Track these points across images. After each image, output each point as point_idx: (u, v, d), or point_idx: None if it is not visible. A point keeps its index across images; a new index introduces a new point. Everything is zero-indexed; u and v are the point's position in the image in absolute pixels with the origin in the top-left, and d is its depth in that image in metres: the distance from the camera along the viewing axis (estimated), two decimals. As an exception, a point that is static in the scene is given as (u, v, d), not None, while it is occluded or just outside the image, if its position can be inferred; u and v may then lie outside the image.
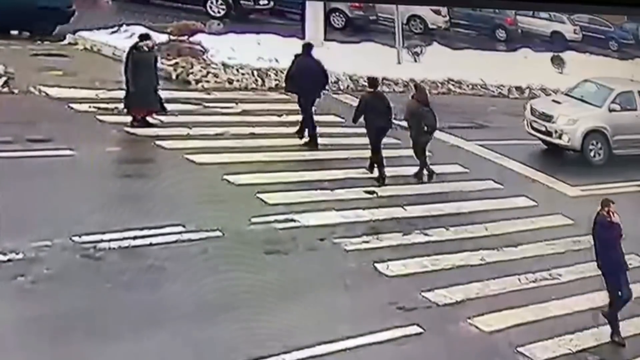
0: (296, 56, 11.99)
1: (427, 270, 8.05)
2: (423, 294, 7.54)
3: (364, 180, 10.15)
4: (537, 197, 10.68)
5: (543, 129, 12.94)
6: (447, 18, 24.36)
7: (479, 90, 16.59)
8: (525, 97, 16.07)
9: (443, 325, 7.16)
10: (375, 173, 10.37)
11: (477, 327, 7.20)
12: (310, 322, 6.74)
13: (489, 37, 24.43)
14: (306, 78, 11.36)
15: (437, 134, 13.03)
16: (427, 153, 10.90)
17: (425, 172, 10.55)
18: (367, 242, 8.37)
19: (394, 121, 10.82)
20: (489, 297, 7.75)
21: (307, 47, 11.89)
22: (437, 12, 23.91)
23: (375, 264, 7.91)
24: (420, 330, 6.97)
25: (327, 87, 11.84)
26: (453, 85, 16.29)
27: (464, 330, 7.17)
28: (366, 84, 15.11)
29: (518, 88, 17.00)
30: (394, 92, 15.24)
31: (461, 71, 16.49)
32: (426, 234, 8.86)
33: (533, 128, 13.12)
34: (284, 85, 11.95)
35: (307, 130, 11.23)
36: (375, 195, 9.77)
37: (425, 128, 10.98)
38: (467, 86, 16.50)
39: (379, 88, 11.53)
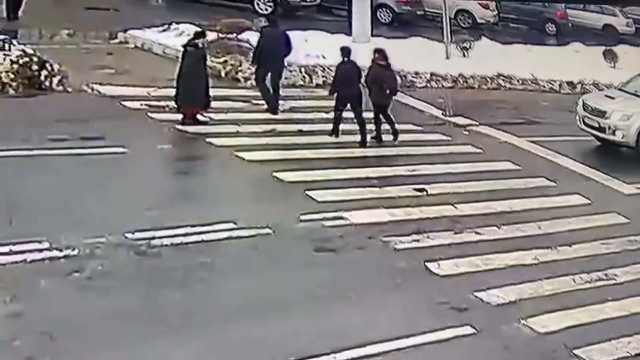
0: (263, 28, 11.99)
1: (479, 270, 7.84)
2: (475, 293, 7.34)
3: (413, 177, 9.99)
4: (591, 194, 10.37)
5: (596, 124, 12.59)
6: (496, 12, 24.04)
7: (530, 85, 16.26)
8: (577, 92, 15.67)
9: (496, 326, 6.95)
10: (339, 138, 10.55)
11: (531, 328, 6.98)
12: (361, 321, 6.62)
13: (538, 31, 24.01)
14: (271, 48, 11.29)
15: (488, 130, 12.81)
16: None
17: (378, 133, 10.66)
18: (417, 240, 8.21)
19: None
20: (542, 297, 7.51)
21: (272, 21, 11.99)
22: (486, 7, 23.56)
23: (426, 263, 7.75)
24: (473, 330, 6.78)
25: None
26: (503, 80, 15.98)
27: (518, 331, 6.95)
28: (414, 79, 14.93)
29: (569, 83, 16.59)
30: (443, 88, 15.07)
31: (511, 66, 16.19)
32: (478, 233, 8.66)
33: (586, 124, 12.76)
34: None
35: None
36: (425, 192, 9.60)
37: (387, 91, 10.95)
38: (518, 81, 16.19)
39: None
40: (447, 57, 16.17)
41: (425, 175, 10.09)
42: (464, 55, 16.55)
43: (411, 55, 15.30)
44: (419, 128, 12.25)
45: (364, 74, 11.10)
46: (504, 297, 7.38)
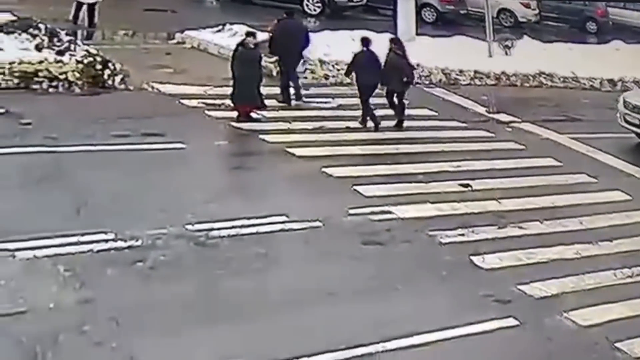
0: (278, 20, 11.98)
1: (522, 264, 7.75)
2: (518, 286, 7.25)
3: (458, 173, 9.90)
4: (632, 191, 10.13)
5: (637, 122, 12.27)
6: (537, 11, 23.60)
7: (571, 83, 15.92)
8: (617, 90, 15.29)
9: (539, 319, 6.87)
10: (370, 124, 10.77)
11: (573, 321, 6.87)
12: (408, 312, 6.61)
13: (579, 30, 23.47)
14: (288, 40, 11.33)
15: (530, 127, 12.61)
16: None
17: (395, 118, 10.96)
18: (462, 234, 8.14)
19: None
20: (584, 291, 7.38)
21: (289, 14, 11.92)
22: (527, 6, 23.15)
23: (471, 257, 7.68)
24: (516, 322, 6.71)
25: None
26: (545, 78, 15.69)
27: (560, 324, 6.86)
28: (458, 77, 14.77)
29: (610, 80, 16.20)
30: (486, 85, 14.87)
31: (552, 64, 15.89)
32: (521, 227, 8.54)
33: (626, 121, 12.46)
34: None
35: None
36: (469, 188, 9.51)
37: (405, 78, 11.11)
38: (559, 79, 15.87)
39: None
40: (490, 55, 15.95)
41: (470, 171, 9.99)
42: (506, 54, 16.30)
43: (455, 53, 15.15)
44: (463, 125, 12.12)
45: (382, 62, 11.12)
46: (547, 290, 7.29)
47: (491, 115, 12.94)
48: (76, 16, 14.38)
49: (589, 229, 8.78)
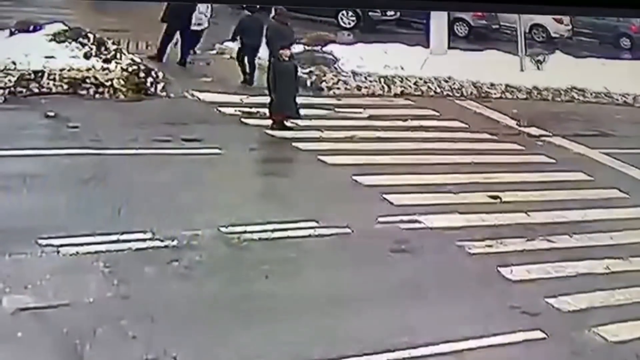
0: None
1: (550, 277, 7.59)
2: (546, 299, 7.11)
3: (488, 185, 9.76)
4: (664, 207, 9.85)
5: (669, 138, 11.95)
6: (570, 27, 23.20)
7: (603, 98, 15.60)
8: (651, 106, 14.93)
9: (566, 332, 6.71)
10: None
11: (601, 337, 6.69)
12: (434, 320, 6.53)
13: (612, 46, 23.02)
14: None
15: (561, 141, 12.39)
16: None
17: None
18: (490, 246, 8.01)
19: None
20: (614, 306, 7.19)
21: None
22: (560, 21, 22.77)
23: (499, 268, 7.56)
24: (543, 335, 6.57)
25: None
26: (577, 93, 15.41)
27: (588, 339, 6.69)
28: (489, 90, 14.60)
29: (643, 97, 15.82)
30: (517, 99, 14.67)
31: (585, 79, 15.59)
32: (550, 241, 8.38)
33: (659, 137, 12.13)
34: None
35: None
36: (499, 200, 9.37)
37: (287, 43, 11.51)
38: (591, 94, 15.56)
39: None
40: (522, 70, 15.74)
41: (500, 183, 9.85)
42: (538, 68, 16.06)
43: (486, 67, 14.98)
44: (494, 137, 11.97)
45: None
46: (575, 305, 7.11)
47: (522, 128, 12.75)
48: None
49: (620, 244, 8.56)
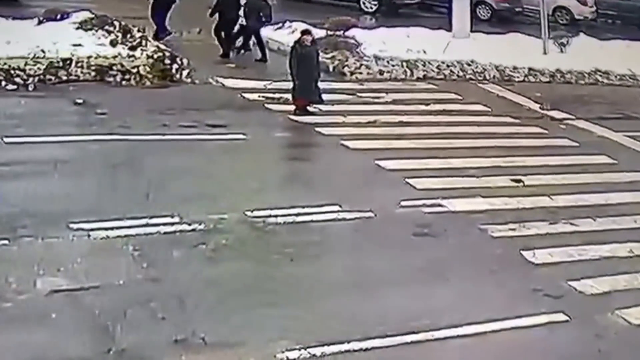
0: None
1: (573, 260, 7.54)
2: (569, 282, 7.07)
3: (510, 168, 9.69)
4: (689, 190, 9.69)
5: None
6: (594, 9, 22.76)
7: (628, 80, 15.34)
8: (676, 88, 14.66)
9: (589, 315, 6.67)
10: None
11: (624, 319, 6.65)
12: (457, 303, 6.53)
13: (637, 27, 22.53)
14: None
15: (584, 124, 12.23)
16: None
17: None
18: (513, 229, 7.97)
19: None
20: (637, 289, 7.13)
21: None
22: (584, 3, 22.37)
23: (522, 251, 7.52)
24: (566, 318, 6.55)
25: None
26: (600, 75, 15.17)
27: (611, 322, 6.65)
28: (512, 73, 14.42)
29: (669, 78, 15.51)
30: (540, 82, 14.48)
31: (609, 61, 15.33)
32: (573, 224, 8.31)
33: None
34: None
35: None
36: (521, 183, 9.30)
37: (263, 18, 12.55)
38: (615, 77, 15.31)
39: None
40: (545, 53, 15.52)
41: (522, 166, 9.77)
42: (562, 51, 15.83)
43: (509, 50, 14.81)
44: (517, 121, 11.86)
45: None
46: (598, 287, 7.07)
47: (545, 112, 12.61)
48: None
49: (643, 227, 8.46)
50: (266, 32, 14.32)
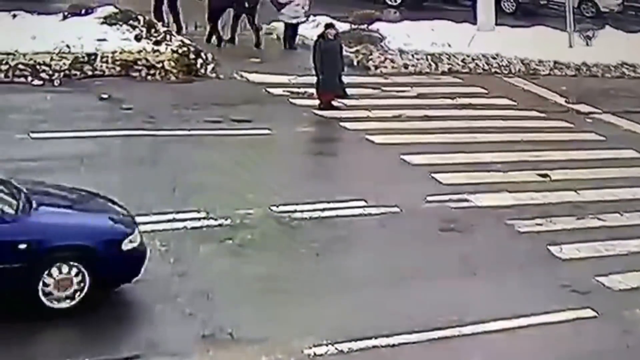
0: None
1: (601, 255, 7.48)
2: (597, 278, 7.02)
3: (537, 163, 9.62)
4: None
5: None
6: (621, 1, 22.38)
7: (655, 74, 15.12)
8: None
9: (618, 311, 6.62)
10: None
11: (654, 316, 6.59)
12: (484, 299, 6.52)
13: (665, 19, 22.08)
14: None
15: (611, 118, 12.08)
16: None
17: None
18: (540, 224, 7.93)
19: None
20: (666, 285, 7.05)
21: None
22: (610, -5, 21.96)
23: (549, 247, 7.48)
24: (594, 314, 6.51)
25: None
26: (627, 69, 14.96)
27: (639, 317, 6.58)
28: (537, 67, 14.27)
29: (697, 71, 15.25)
30: (566, 76, 14.32)
31: (636, 54, 15.11)
32: (600, 219, 8.23)
33: None
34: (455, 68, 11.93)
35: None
36: (548, 178, 9.22)
37: (247, 4, 12.69)
38: (642, 70, 15.10)
39: None
40: (571, 46, 15.33)
41: (549, 161, 9.69)
42: (587, 44, 15.62)
43: (534, 43, 14.65)
44: (543, 115, 11.75)
45: None
46: (626, 283, 7.01)
47: (571, 105, 12.47)
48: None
49: (672, 222, 8.35)
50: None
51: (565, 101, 12.65)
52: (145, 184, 7.85)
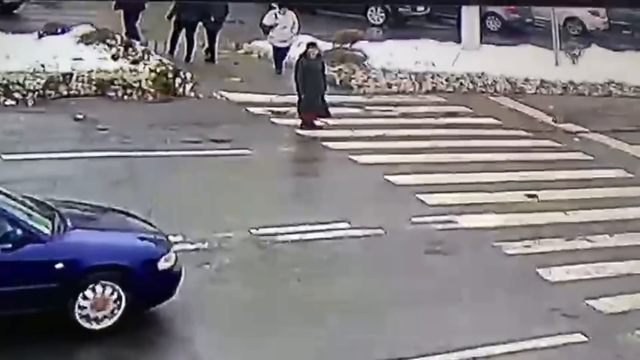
0: None
1: (590, 278, 7.42)
2: (587, 301, 6.94)
3: (524, 183, 9.58)
4: None
5: None
6: (606, 19, 22.68)
7: (642, 92, 15.25)
8: (692, 100, 14.52)
9: (608, 335, 6.54)
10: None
11: (645, 340, 6.51)
12: (472, 324, 6.41)
13: (651, 38, 22.38)
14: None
15: (599, 137, 12.11)
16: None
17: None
18: (528, 246, 7.86)
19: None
20: (658, 309, 6.98)
21: None
22: (595, 14, 22.29)
23: (537, 269, 7.40)
24: (585, 338, 6.42)
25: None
26: (614, 87, 15.06)
27: (631, 341, 6.51)
28: (523, 85, 14.34)
29: (684, 90, 15.39)
30: (553, 94, 14.40)
31: (622, 73, 15.23)
32: (589, 240, 8.18)
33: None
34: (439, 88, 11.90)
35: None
36: (536, 199, 9.18)
37: (213, 19, 12.85)
38: (629, 88, 15.19)
39: None
40: (557, 64, 15.43)
41: (536, 181, 9.65)
42: (574, 62, 15.74)
43: (520, 62, 14.72)
44: (530, 134, 11.76)
45: None
46: (617, 306, 6.94)
47: (558, 124, 12.51)
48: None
49: (663, 243, 8.32)
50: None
51: (552, 120, 12.68)
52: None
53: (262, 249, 7.19)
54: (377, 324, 6.26)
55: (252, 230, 7.41)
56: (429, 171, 9.57)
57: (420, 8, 19.56)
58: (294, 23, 13.08)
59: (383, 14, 18.91)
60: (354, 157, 9.73)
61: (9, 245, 5.41)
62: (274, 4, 13.06)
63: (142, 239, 6.02)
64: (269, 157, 9.57)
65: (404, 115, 11.88)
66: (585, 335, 6.44)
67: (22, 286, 5.36)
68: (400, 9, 19.09)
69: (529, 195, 9.20)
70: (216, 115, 10.75)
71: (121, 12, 12.82)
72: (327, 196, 8.71)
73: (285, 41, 12.98)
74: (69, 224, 5.74)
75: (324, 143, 10.22)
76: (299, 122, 10.73)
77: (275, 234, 7.40)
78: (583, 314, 6.77)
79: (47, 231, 5.59)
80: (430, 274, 7.17)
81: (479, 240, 7.89)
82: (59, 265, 5.44)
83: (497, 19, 20.54)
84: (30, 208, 5.78)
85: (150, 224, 6.25)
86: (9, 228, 5.45)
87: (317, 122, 10.80)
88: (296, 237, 7.43)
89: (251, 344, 5.80)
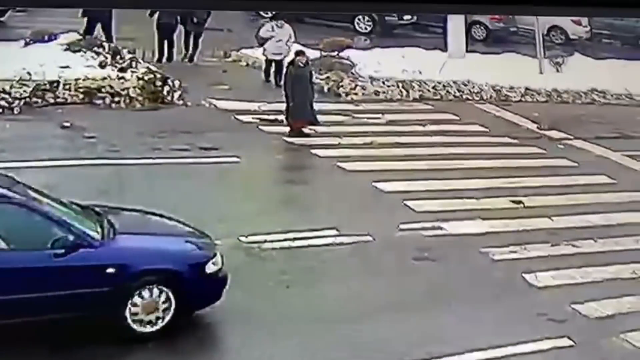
0: None
1: (576, 282, 7.53)
2: (573, 306, 7.05)
3: (510, 189, 9.71)
4: (690, 210, 9.72)
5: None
6: (589, 28, 23.02)
7: (624, 100, 15.47)
8: (673, 107, 14.77)
9: (594, 339, 6.65)
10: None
11: (631, 343, 6.62)
12: (459, 330, 6.49)
13: (632, 46, 22.78)
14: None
15: (583, 144, 12.29)
16: None
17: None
18: (514, 252, 7.97)
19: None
20: (642, 313, 7.11)
21: None
22: (578, 23, 22.61)
23: (524, 274, 7.51)
24: (571, 342, 6.52)
25: None
26: (597, 95, 15.30)
27: (616, 346, 6.62)
28: (508, 93, 14.53)
29: (666, 97, 15.65)
30: (537, 102, 14.59)
31: (605, 81, 15.47)
32: (574, 246, 8.31)
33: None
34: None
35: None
36: (522, 205, 9.31)
37: (195, 20, 13.18)
38: (612, 96, 15.45)
39: None
40: (541, 72, 15.62)
41: (522, 187, 9.79)
42: (557, 71, 15.97)
43: (505, 70, 14.92)
44: (515, 141, 11.91)
45: None
46: (602, 311, 7.05)
47: (543, 132, 12.68)
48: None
49: (646, 248, 8.47)
50: (260, 53, 14.34)
51: (537, 127, 12.85)
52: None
53: (251, 257, 7.23)
54: (365, 332, 6.32)
55: (241, 238, 7.45)
56: (417, 178, 9.67)
57: (407, 16, 19.74)
58: (290, 36, 13.10)
59: (370, 23, 19.06)
60: (342, 165, 9.80)
61: (62, 251, 5.46)
62: (263, 13, 13.12)
63: (190, 242, 6.09)
64: (258, 165, 9.61)
65: (392, 122, 11.99)
66: (571, 340, 6.53)
67: (74, 290, 5.42)
68: (387, 18, 19.26)
69: (515, 202, 9.33)
70: (204, 123, 10.78)
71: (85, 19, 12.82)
72: (316, 203, 8.78)
73: (280, 54, 13.01)
74: (117, 228, 5.78)
75: (313, 150, 10.29)
76: (287, 129, 10.80)
77: (264, 242, 7.45)
78: (569, 318, 6.88)
79: (97, 236, 5.66)
80: (419, 280, 7.25)
81: (466, 246, 7.99)
82: (110, 270, 5.50)
83: (482, 27, 20.79)
84: (79, 213, 5.80)
85: (197, 229, 6.30)
86: (61, 234, 5.49)
87: (306, 130, 10.87)
88: (285, 244, 7.48)
89: (240, 351, 5.83)
